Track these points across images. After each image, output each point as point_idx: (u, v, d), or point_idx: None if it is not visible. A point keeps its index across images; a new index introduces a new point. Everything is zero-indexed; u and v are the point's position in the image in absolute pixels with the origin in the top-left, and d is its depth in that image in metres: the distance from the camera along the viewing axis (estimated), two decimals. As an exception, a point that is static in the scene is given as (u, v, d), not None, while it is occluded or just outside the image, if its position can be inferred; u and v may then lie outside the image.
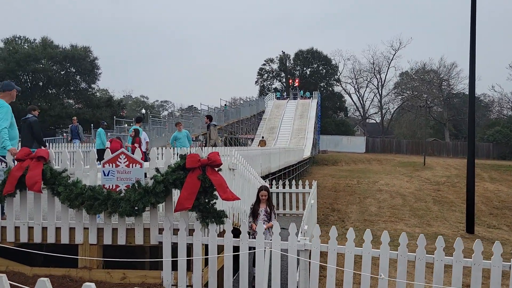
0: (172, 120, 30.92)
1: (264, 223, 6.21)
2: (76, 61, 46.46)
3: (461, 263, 4.73)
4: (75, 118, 18.60)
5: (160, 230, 5.16)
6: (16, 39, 48.00)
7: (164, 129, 28.30)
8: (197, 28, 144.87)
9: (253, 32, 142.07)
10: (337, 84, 73.64)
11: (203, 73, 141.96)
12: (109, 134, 19.94)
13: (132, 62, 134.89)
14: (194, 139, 26.70)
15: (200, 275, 5.05)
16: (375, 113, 77.31)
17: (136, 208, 4.94)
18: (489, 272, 4.70)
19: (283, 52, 73.26)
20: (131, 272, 5.20)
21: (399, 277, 4.89)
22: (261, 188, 6.96)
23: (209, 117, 13.48)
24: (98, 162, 5.48)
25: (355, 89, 74.39)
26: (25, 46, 46.94)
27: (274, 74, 74.71)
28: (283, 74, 73.66)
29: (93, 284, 1.99)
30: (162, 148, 11.71)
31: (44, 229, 5.36)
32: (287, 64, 73.16)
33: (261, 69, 74.60)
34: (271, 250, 5.07)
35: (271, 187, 13.80)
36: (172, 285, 5.09)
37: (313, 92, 50.72)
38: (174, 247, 5.10)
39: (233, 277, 5.28)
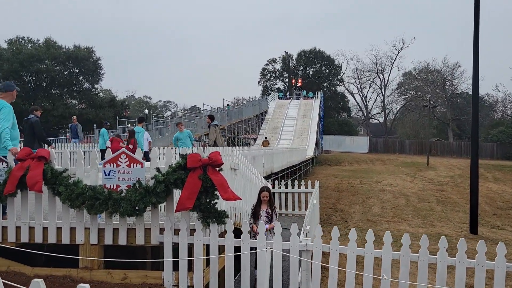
0: (175, 120, 30.91)
1: (265, 224, 6.17)
2: (79, 61, 46.60)
3: (465, 264, 4.69)
4: (74, 117, 18.55)
5: (161, 230, 5.14)
6: (20, 39, 48.18)
7: (166, 129, 28.30)
8: (197, 28, 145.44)
9: (253, 32, 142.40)
10: (340, 84, 73.58)
11: (203, 73, 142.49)
12: (111, 134, 19.93)
13: (132, 62, 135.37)
14: (197, 139, 26.69)
15: (201, 276, 5.02)
16: (378, 113, 77.27)
17: (137, 208, 4.92)
18: (493, 273, 4.66)
19: (286, 52, 73.29)
20: (132, 272, 5.18)
21: (402, 278, 4.85)
22: (263, 189, 6.90)
23: (211, 117, 13.31)
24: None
25: (358, 89, 74.41)
26: (28, 47, 47.11)
27: (277, 74, 74.71)
28: (286, 74, 73.64)
29: (87, 286, 1.96)
30: (164, 148, 11.69)
31: (45, 229, 5.35)
32: (290, 64, 73.11)
33: (264, 69, 74.66)
34: (272, 251, 5.04)
35: (274, 187, 13.75)
36: (173, 285, 5.07)
37: (316, 92, 50.61)
38: (175, 247, 5.08)
39: (234, 278, 5.25)
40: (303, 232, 6.04)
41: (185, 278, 5.04)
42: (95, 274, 5.15)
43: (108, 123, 16.72)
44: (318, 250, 4.99)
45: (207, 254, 5.13)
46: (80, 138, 17.75)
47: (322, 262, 4.98)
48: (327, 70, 71.84)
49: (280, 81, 74.87)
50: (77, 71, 48.15)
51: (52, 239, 5.32)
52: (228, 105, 40.89)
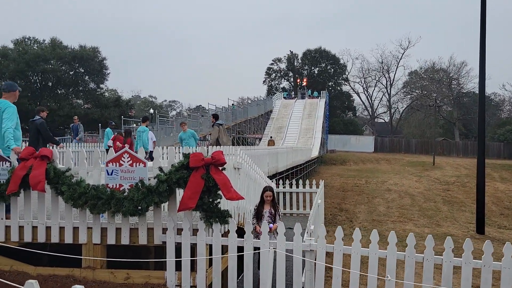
0: (179, 120, 30.94)
1: (268, 224, 6.08)
2: (85, 61, 46.75)
3: (471, 265, 4.63)
4: (76, 117, 18.52)
5: (164, 230, 5.11)
6: (26, 40, 48.43)
7: (171, 129, 28.34)
8: (197, 28, 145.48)
9: (253, 32, 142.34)
10: (346, 83, 73.30)
11: (203, 73, 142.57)
12: (116, 133, 19.93)
13: (133, 62, 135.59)
14: (202, 138, 26.70)
15: (204, 276, 4.99)
16: (384, 112, 76.93)
17: (139, 207, 4.90)
18: (500, 273, 4.59)
19: (291, 52, 73.17)
20: (134, 272, 5.16)
21: (407, 279, 4.80)
22: (266, 189, 6.83)
23: (215, 116, 13.19)
24: None
25: (363, 88, 74.11)
26: (34, 47, 47.33)
27: (282, 73, 74.59)
28: (291, 74, 73.51)
29: (81, 287, 1.93)
30: (167, 148, 11.66)
31: (48, 229, 5.35)
32: (295, 64, 72.98)
33: (269, 68, 74.56)
34: (275, 251, 5.00)
35: (278, 187, 13.71)
36: (176, 285, 5.04)
37: (321, 92, 50.47)
38: (178, 247, 5.05)
39: (237, 278, 5.22)
40: (307, 232, 5.99)
41: (188, 278, 5.01)
42: (98, 273, 5.13)
43: (113, 123, 16.74)
44: (322, 250, 4.94)
45: (210, 254, 5.10)
46: (82, 138, 17.68)
47: (326, 262, 4.93)
48: (332, 69, 71.61)
49: (285, 80, 74.79)
50: (83, 71, 48.31)
51: (55, 239, 5.31)
52: (233, 104, 40.88)
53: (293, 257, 5.00)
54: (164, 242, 5.08)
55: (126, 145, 12.41)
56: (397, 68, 71.50)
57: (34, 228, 5.38)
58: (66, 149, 8.71)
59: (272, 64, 74.54)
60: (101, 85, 51.20)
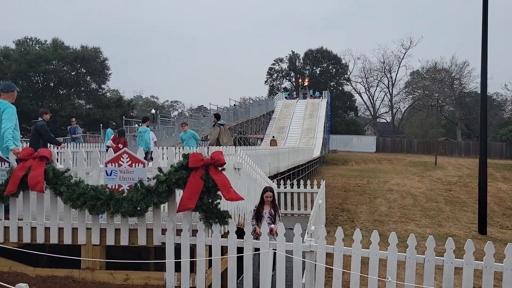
0: (181, 120, 30.94)
1: (269, 225, 6.02)
2: (87, 61, 46.80)
3: (472, 266, 4.59)
4: (73, 119, 18.47)
5: (163, 231, 5.08)
6: (28, 40, 48.52)
7: (173, 129, 28.35)
8: (197, 28, 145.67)
9: (254, 32, 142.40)
10: (347, 83, 73.22)
11: (203, 73, 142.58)
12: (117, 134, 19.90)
13: (133, 62, 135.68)
14: (204, 139, 26.71)
15: (204, 277, 4.96)
16: (386, 112, 76.79)
17: (138, 208, 4.87)
18: (501, 274, 4.55)
19: (293, 52, 73.13)
20: (134, 273, 5.13)
21: (408, 280, 4.76)
22: (266, 189, 6.75)
23: (217, 116, 13.10)
24: None
25: (365, 88, 73.99)
26: (36, 47, 47.41)
27: (283, 73, 74.58)
28: (292, 74, 73.48)
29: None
30: (167, 148, 11.62)
31: (47, 230, 5.32)
32: (297, 64, 72.92)
33: (270, 68, 74.57)
34: (275, 252, 4.96)
35: (279, 187, 13.66)
36: (175, 286, 5.01)
37: (323, 92, 50.43)
38: (178, 248, 5.02)
39: (237, 279, 5.18)
40: (308, 233, 5.96)
41: (187, 279, 4.98)
42: (97, 275, 5.11)
43: (114, 123, 16.73)
44: (322, 251, 4.90)
45: (210, 255, 5.06)
46: (78, 140, 17.59)
47: (326, 263, 4.89)
48: (334, 70, 71.55)
49: (287, 80, 74.79)
50: (84, 71, 48.36)
51: (54, 240, 5.29)
52: (235, 105, 40.87)
53: (293, 258, 4.96)
54: (164, 243, 5.06)
55: (119, 145, 12.42)
56: (399, 68, 71.47)
57: (33, 229, 5.36)
58: (66, 149, 8.69)
59: (273, 64, 74.59)
60: (103, 86, 51.25)
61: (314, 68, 72.32)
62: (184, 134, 13.44)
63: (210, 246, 5.06)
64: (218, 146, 10.69)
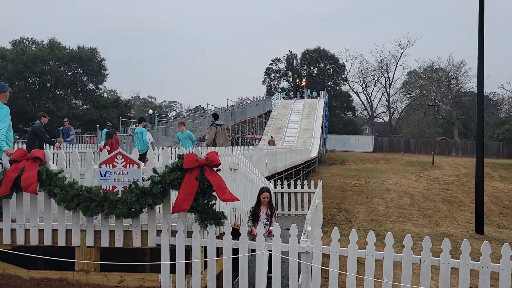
0: (179, 120, 30.85)
1: (265, 226, 5.99)
2: (83, 62, 46.63)
3: (468, 266, 4.57)
4: (66, 120, 18.34)
5: (158, 232, 5.04)
6: (24, 40, 48.30)
7: (170, 129, 28.27)
8: (197, 28, 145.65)
9: (253, 32, 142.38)
10: (345, 83, 73.28)
11: (202, 73, 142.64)
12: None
13: (132, 62, 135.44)
14: (201, 139, 26.66)
15: (199, 278, 4.93)
16: (383, 112, 76.87)
17: (133, 209, 4.83)
18: (498, 274, 4.53)
19: (290, 52, 73.12)
20: (128, 275, 5.09)
21: (404, 280, 4.73)
22: (263, 190, 6.70)
23: (215, 116, 13.00)
24: None
25: (362, 88, 74.05)
26: (32, 48, 47.20)
27: (281, 73, 74.54)
28: (290, 74, 73.46)
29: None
30: (163, 148, 11.57)
31: (41, 231, 5.27)
32: (294, 64, 72.91)
33: (268, 68, 74.51)
34: (270, 253, 4.93)
35: (276, 187, 13.63)
36: (170, 288, 4.97)
37: (320, 92, 50.45)
38: (173, 249, 4.99)
39: (233, 281, 5.15)
40: (304, 233, 5.92)
41: (182, 281, 4.94)
42: (91, 277, 5.06)
43: (110, 124, 16.67)
44: (318, 252, 4.87)
45: (205, 256, 5.03)
46: (71, 140, 17.47)
47: (323, 264, 4.86)
48: (331, 69, 71.58)
49: (284, 80, 74.74)
50: (81, 71, 48.17)
51: (48, 242, 5.24)
52: (232, 105, 40.82)
53: (289, 259, 4.93)
54: (159, 245, 5.02)
55: (107, 146, 12.37)
56: (396, 67, 71.56)
57: (27, 231, 5.30)
58: (60, 150, 8.67)
59: (271, 64, 74.54)
60: (100, 86, 51.07)
61: (312, 68, 72.33)
62: (181, 134, 13.39)
63: (205, 248, 5.03)
64: (214, 147, 10.64)
